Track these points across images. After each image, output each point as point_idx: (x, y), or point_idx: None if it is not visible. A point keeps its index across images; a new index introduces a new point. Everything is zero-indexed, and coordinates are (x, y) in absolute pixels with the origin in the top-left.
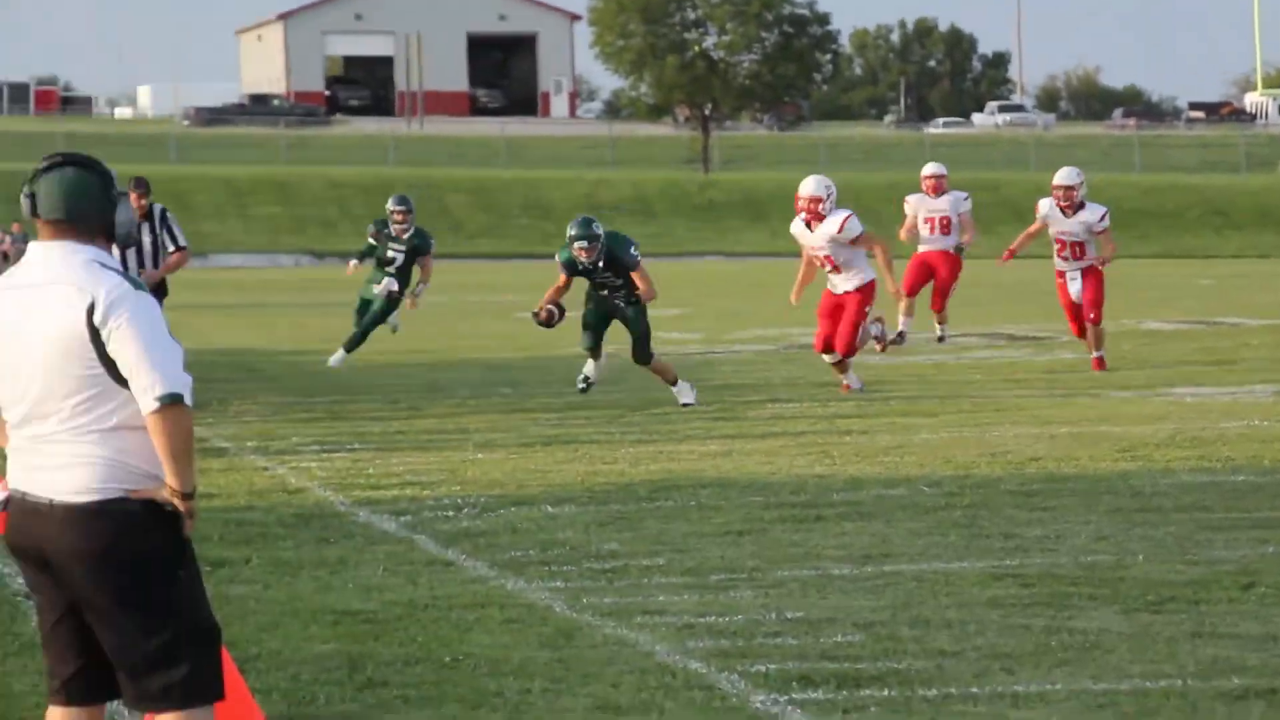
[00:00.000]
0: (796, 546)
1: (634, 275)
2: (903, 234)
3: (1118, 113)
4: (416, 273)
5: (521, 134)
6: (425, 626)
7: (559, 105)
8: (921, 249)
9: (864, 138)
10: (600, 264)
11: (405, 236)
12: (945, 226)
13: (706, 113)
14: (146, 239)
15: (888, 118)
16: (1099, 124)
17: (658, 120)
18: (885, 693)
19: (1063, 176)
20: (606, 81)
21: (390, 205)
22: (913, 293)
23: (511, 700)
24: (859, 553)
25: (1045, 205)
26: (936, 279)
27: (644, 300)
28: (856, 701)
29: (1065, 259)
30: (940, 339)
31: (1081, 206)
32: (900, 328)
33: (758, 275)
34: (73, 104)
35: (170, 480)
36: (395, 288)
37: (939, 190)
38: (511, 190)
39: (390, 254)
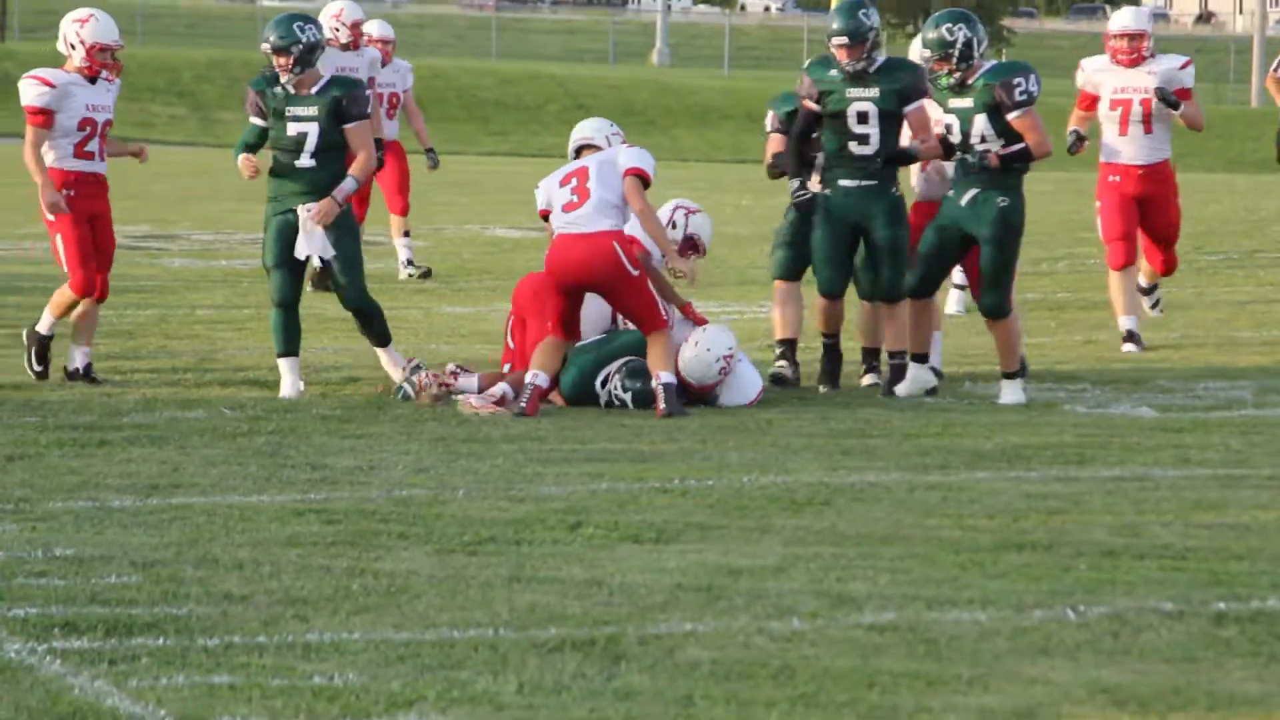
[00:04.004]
0: (74, 475)
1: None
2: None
3: None
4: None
5: None
6: None
7: None
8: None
9: (191, 8)
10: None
11: None
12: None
13: None
14: None
15: None
16: (454, 3)
17: None
18: (160, 641)
19: None
20: None
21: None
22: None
23: None
24: (145, 483)
25: None
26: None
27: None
28: (126, 651)
29: None
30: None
31: None
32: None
33: None
34: None
35: None
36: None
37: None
38: None
39: None
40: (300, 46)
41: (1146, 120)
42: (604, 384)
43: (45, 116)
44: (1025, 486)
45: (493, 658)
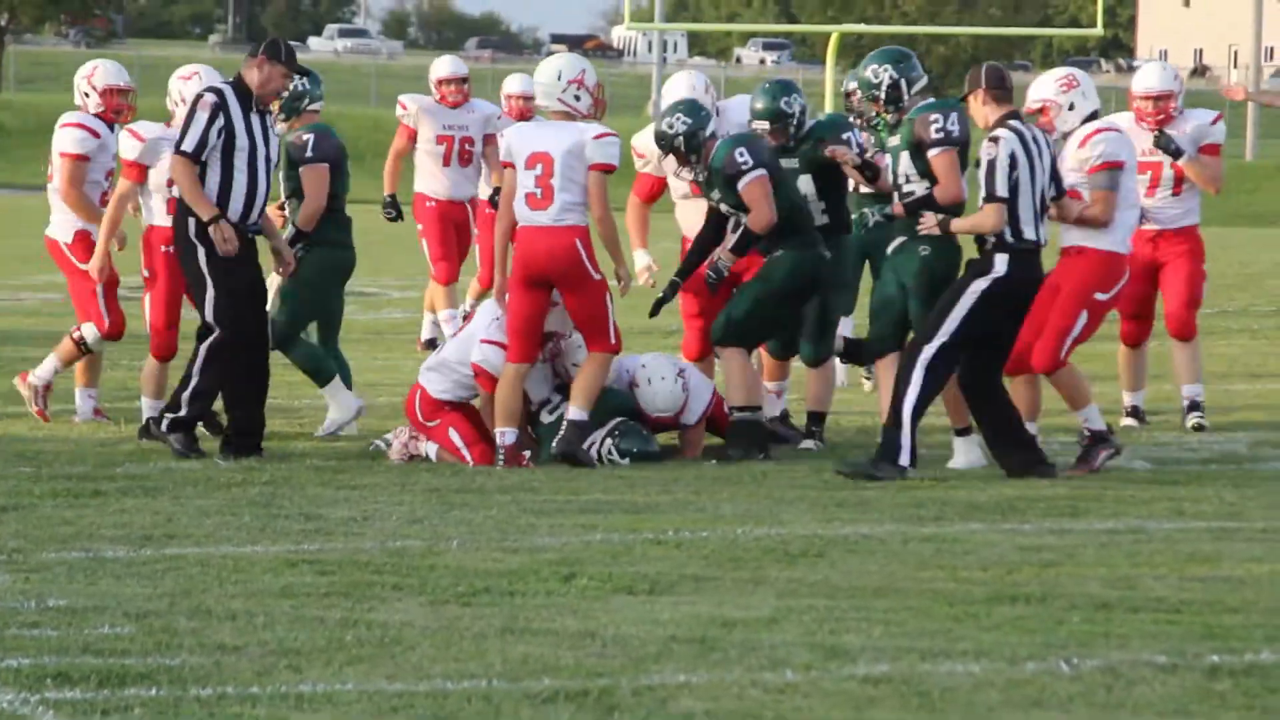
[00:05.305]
0: (68, 525)
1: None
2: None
3: (472, 43)
4: None
5: None
6: None
7: None
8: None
9: (185, 59)
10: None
11: None
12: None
13: (2, 23)
14: None
15: (213, 37)
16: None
17: None
18: (153, 692)
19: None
20: None
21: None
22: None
23: None
24: (139, 533)
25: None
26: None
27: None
28: (119, 702)
29: None
30: None
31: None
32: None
33: None
34: None
35: None
36: None
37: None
38: None
39: None
40: (286, 94)
41: (1177, 183)
42: (592, 449)
43: (138, 170)
44: (1019, 539)
45: (486, 709)
